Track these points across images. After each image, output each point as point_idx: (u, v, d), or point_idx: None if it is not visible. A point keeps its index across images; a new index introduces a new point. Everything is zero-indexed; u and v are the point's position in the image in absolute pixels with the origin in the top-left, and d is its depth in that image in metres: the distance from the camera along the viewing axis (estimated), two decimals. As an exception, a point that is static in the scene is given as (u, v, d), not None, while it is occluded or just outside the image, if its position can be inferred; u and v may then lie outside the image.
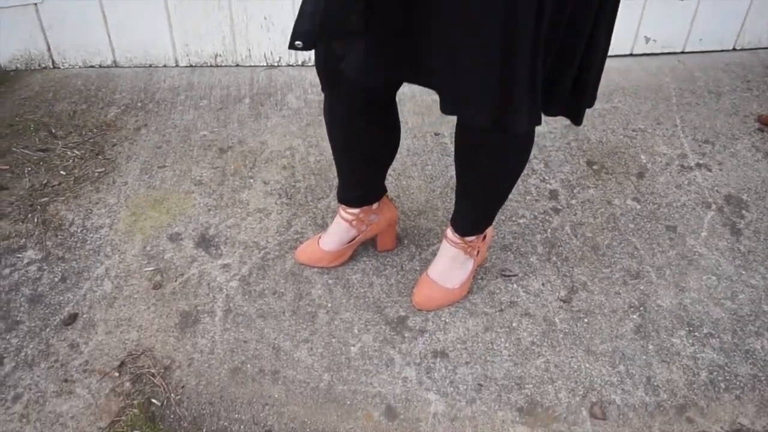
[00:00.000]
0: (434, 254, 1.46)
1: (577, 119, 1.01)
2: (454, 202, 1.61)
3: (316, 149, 1.83)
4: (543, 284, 1.44)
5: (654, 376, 1.29)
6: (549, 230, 1.58)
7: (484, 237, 1.39)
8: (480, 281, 1.43)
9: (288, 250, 1.49)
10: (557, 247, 1.53)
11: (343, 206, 1.36)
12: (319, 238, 1.42)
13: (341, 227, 1.39)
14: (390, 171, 1.70)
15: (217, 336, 1.32)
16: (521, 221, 1.61)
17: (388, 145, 1.25)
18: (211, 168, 1.75)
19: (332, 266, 1.43)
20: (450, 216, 1.56)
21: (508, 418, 1.21)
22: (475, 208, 1.27)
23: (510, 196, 1.67)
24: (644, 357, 1.32)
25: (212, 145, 1.84)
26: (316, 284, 1.42)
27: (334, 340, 1.30)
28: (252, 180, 1.70)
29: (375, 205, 1.38)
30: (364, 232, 1.40)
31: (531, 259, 1.49)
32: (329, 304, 1.37)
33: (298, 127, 1.93)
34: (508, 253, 1.51)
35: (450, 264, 1.34)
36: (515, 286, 1.43)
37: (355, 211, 1.37)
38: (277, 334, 1.31)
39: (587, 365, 1.30)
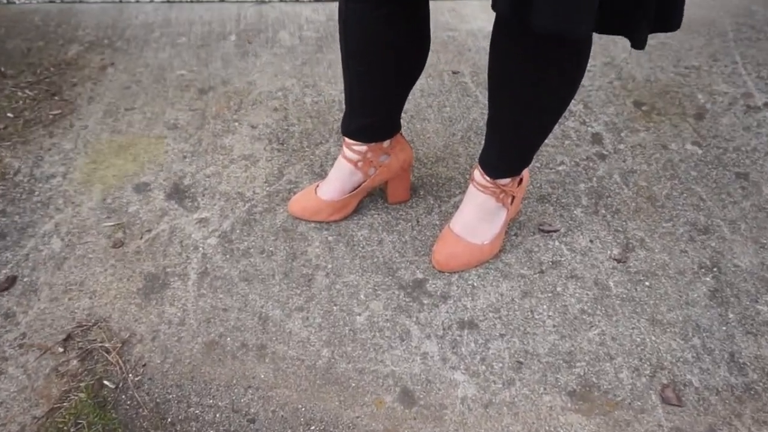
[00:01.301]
0: (457, 207, 1.33)
1: (636, 39, 0.84)
2: (481, 143, 1.49)
3: (314, 90, 1.66)
4: (591, 241, 1.27)
5: (738, 351, 1.06)
6: (594, 178, 1.40)
7: (520, 181, 1.21)
8: (513, 238, 1.27)
9: (279, 203, 1.34)
10: (605, 198, 1.36)
11: (348, 141, 1.20)
12: (317, 186, 1.29)
13: (344, 171, 1.23)
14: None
15: (190, 304, 1.14)
16: (560, 168, 1.43)
17: (414, 53, 1.08)
18: (188, 110, 1.58)
19: (333, 220, 1.28)
20: (477, 159, 1.43)
21: (556, 404, 0.99)
22: (512, 141, 1.10)
23: (546, 141, 1.46)
24: (724, 328, 1.10)
25: (191, 85, 1.67)
26: (313, 242, 1.26)
27: (335, 308, 1.14)
28: (237, 123, 1.55)
29: (386, 143, 1.22)
30: (372, 176, 1.25)
31: (575, 212, 1.33)
32: (329, 265, 1.21)
33: (292, 66, 1.74)
34: (547, 204, 1.34)
35: (478, 214, 1.19)
36: (557, 243, 1.26)
37: (363, 148, 1.20)
38: (265, 300, 1.15)
39: (653, 338, 1.08)
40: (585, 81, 1.68)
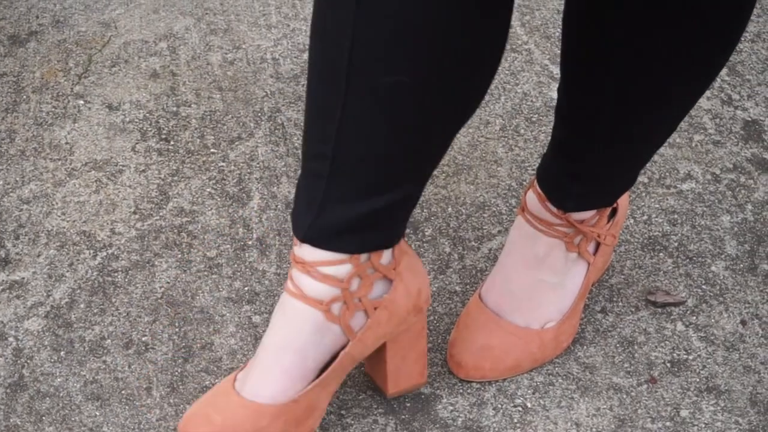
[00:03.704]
0: (493, 260, 1.38)
1: None
2: (538, 139, 1.54)
3: (227, 38, 1.73)
4: (743, 323, 1.32)
5: None
6: (749, 206, 1.47)
7: (614, 212, 1.26)
8: (600, 317, 1.33)
9: (161, 252, 1.40)
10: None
11: (312, 257, 1.09)
12: (236, 376, 1.16)
13: (303, 329, 1.10)
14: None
15: None
16: (686, 187, 1.50)
17: (490, 57, 1.01)
18: None
19: None
20: (533, 171, 1.48)
21: None
22: (604, 145, 1.14)
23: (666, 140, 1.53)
24: None
25: None
26: (225, 324, 1.31)
27: None
28: (82, 102, 1.62)
29: (387, 255, 1.13)
30: (360, 334, 1.13)
31: (713, 269, 1.39)
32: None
33: None
34: (662, 254, 1.40)
35: (532, 272, 1.24)
36: (681, 326, 1.32)
37: (344, 270, 1.08)
38: None
39: None
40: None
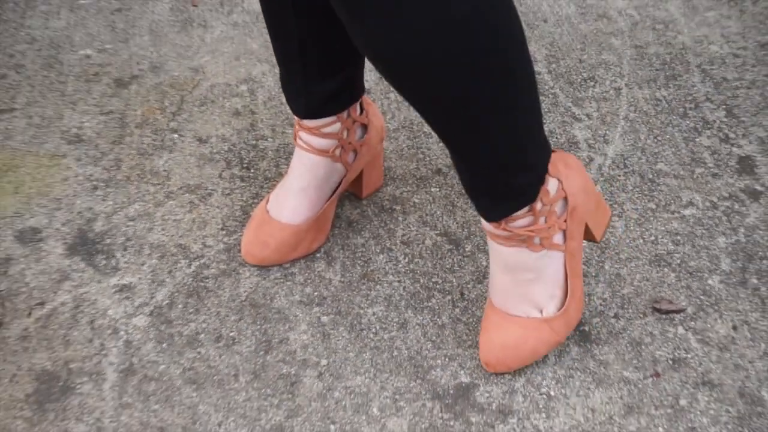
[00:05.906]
0: None
1: None
2: None
3: None
4: (735, 328, 1.36)
5: None
6: (741, 230, 1.51)
7: (565, 199, 1.23)
8: (613, 321, 1.37)
9: (244, 262, 1.46)
10: (759, 261, 1.45)
11: (311, 123, 1.38)
12: (266, 209, 1.45)
13: (318, 169, 1.42)
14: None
15: (108, 418, 1.23)
16: (687, 213, 1.54)
17: None
18: (99, 114, 1.72)
19: (316, 249, 1.47)
20: None
21: None
22: (454, 152, 1.16)
23: (663, 167, 1.59)
24: None
25: (102, 73, 1.81)
26: (298, 323, 1.36)
27: (333, 427, 1.22)
28: (177, 135, 1.69)
29: (358, 110, 1.44)
30: (352, 165, 1.46)
31: (710, 282, 1.42)
32: (324, 361, 1.31)
33: (264, 43, 1.88)
34: (666, 269, 1.44)
35: (513, 276, 1.27)
36: (681, 329, 1.36)
37: (337, 127, 1.40)
38: (224, 415, 1.24)
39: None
40: (728, 73, 1.78)
